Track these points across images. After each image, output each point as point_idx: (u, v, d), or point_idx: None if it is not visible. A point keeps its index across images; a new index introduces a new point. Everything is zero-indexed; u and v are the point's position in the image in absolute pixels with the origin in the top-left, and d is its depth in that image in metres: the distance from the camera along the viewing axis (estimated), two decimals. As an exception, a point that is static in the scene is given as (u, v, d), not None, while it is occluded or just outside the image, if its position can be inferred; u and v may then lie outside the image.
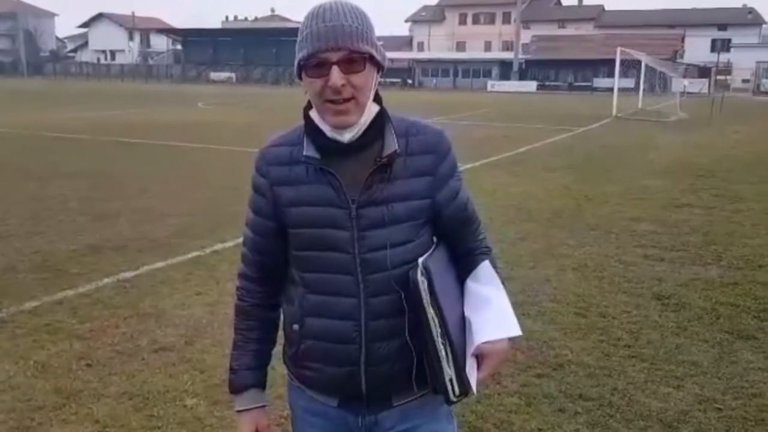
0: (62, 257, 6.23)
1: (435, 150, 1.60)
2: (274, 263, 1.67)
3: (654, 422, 3.43)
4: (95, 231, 7.23)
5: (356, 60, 1.46)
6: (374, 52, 1.49)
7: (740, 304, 5.15)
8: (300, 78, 1.53)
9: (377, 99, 1.57)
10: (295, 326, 1.63)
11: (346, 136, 1.52)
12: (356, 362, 1.58)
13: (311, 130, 1.55)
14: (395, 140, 1.55)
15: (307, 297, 1.60)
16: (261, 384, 1.74)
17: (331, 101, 1.47)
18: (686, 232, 7.53)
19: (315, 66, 1.46)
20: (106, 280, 5.58)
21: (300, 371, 1.68)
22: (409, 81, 62.76)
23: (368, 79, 1.50)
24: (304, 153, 1.54)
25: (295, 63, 1.51)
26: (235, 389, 1.72)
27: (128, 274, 5.75)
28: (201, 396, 3.66)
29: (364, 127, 1.53)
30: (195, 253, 6.42)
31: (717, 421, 3.44)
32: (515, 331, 1.58)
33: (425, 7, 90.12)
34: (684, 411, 3.54)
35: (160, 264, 6.07)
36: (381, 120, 1.56)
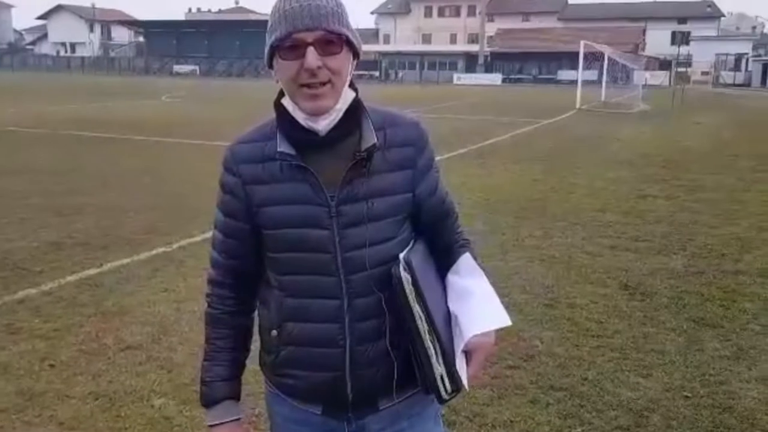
0: (23, 255, 6.06)
1: (414, 142, 1.54)
2: (247, 267, 1.59)
3: (624, 411, 3.46)
4: (57, 227, 7.06)
5: (333, 42, 1.39)
6: (351, 36, 1.43)
7: (705, 293, 5.24)
8: (270, 66, 1.46)
9: (352, 88, 1.51)
10: (274, 332, 1.55)
11: (322, 124, 1.45)
12: (341, 367, 1.51)
13: (284, 121, 1.48)
14: (373, 132, 1.48)
15: (285, 300, 1.52)
16: (236, 395, 1.63)
17: (307, 85, 1.40)
18: (651, 222, 7.65)
19: (289, 48, 1.39)
20: (69, 278, 5.45)
21: (280, 379, 1.60)
22: (376, 74, 62.74)
23: (345, 63, 1.43)
24: (278, 149, 1.46)
25: (266, 48, 1.43)
26: (209, 402, 1.61)
27: (92, 272, 5.63)
28: (169, 395, 3.59)
29: (340, 115, 1.46)
30: (161, 249, 6.30)
31: (685, 409, 3.49)
32: (504, 321, 1.52)
33: (391, 0, 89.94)
34: (653, 399, 3.58)
35: (125, 260, 5.95)
36: (357, 110, 1.50)
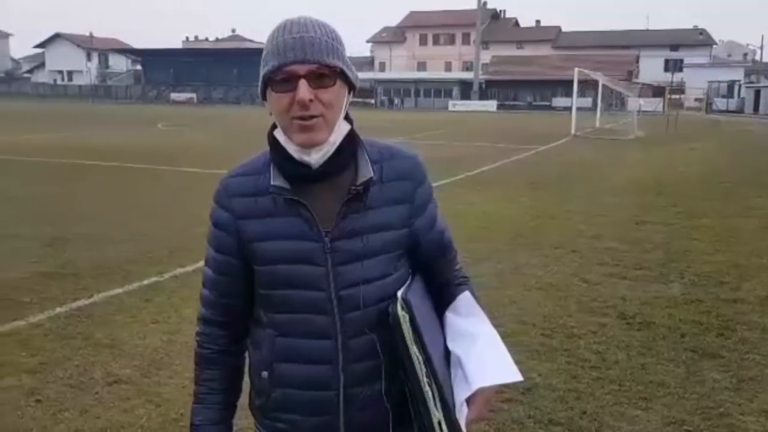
0: (12, 285, 5.97)
1: (411, 176, 1.50)
2: (239, 305, 1.53)
3: (624, 446, 3.38)
4: (47, 257, 6.97)
5: (326, 75, 1.36)
6: (345, 68, 1.39)
7: (704, 322, 5.16)
8: (264, 98, 1.42)
9: (348, 120, 1.47)
10: (264, 373, 1.49)
11: (314, 157, 1.41)
12: (335, 411, 1.45)
13: (277, 154, 1.44)
14: (370, 166, 1.45)
15: (277, 340, 1.47)
16: None
17: (299, 117, 1.36)
18: (648, 250, 7.59)
19: (281, 80, 1.36)
20: (59, 309, 5.35)
21: (271, 423, 1.54)
22: (371, 101, 63.12)
23: (338, 96, 1.40)
24: (272, 182, 1.42)
25: (260, 79, 1.40)
26: None
27: (82, 303, 5.54)
28: (158, 431, 3.49)
29: (333, 149, 1.42)
30: (153, 279, 6.22)
31: (687, 444, 3.41)
32: (515, 376, 1.45)
33: (386, 28, 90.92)
34: (654, 434, 3.50)
35: (116, 291, 5.86)
36: (353, 143, 1.46)
